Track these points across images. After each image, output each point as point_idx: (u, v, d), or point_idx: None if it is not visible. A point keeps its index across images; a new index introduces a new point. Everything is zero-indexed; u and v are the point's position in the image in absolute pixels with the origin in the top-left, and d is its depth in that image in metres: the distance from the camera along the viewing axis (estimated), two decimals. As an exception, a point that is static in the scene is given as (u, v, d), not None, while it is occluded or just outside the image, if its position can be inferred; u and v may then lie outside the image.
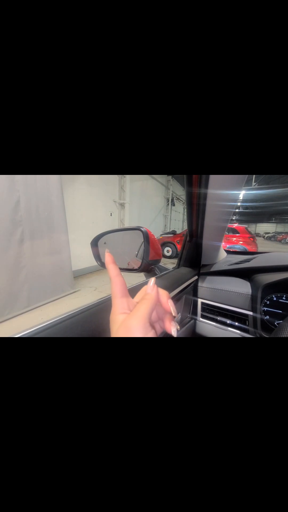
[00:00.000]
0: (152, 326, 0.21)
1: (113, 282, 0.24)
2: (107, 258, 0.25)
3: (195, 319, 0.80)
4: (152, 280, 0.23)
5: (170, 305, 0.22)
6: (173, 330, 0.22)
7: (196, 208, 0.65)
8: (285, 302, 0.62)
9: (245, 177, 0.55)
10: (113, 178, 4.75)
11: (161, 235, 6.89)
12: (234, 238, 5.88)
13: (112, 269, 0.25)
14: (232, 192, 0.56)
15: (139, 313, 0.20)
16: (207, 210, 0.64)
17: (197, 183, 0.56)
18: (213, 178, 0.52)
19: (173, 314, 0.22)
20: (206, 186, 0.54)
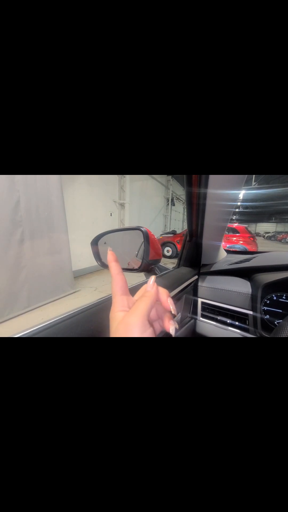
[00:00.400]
0: (151, 324, 0.21)
1: (114, 280, 0.24)
2: (109, 256, 0.25)
3: (195, 319, 0.80)
4: (152, 278, 0.23)
5: (169, 304, 0.22)
6: (172, 329, 0.21)
7: (196, 208, 0.65)
8: (285, 302, 0.62)
9: (244, 177, 0.55)
10: (113, 178, 4.75)
11: (161, 235, 6.89)
12: (234, 238, 5.88)
13: (113, 267, 0.25)
14: (231, 192, 0.56)
15: (138, 310, 0.20)
16: (207, 210, 0.64)
17: (197, 183, 0.56)
18: (213, 178, 0.52)
19: (173, 312, 0.22)
20: (206, 186, 0.54)
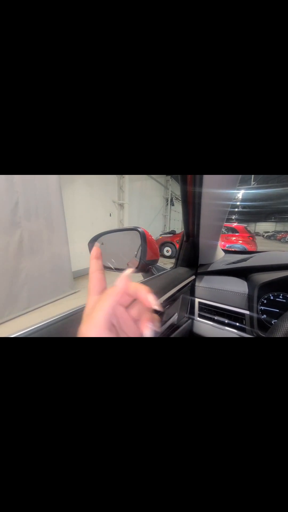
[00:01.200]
0: (111, 327, 0.19)
1: (89, 278, 0.22)
2: (93, 252, 0.23)
3: (193, 319, 0.81)
4: (127, 271, 0.20)
5: (150, 301, 0.18)
6: (146, 332, 0.18)
7: (191, 208, 0.65)
8: (282, 301, 0.62)
9: (239, 176, 0.55)
10: (112, 179, 4.75)
11: (160, 235, 6.89)
12: (234, 238, 5.89)
13: (92, 264, 0.23)
14: (226, 191, 0.56)
15: (93, 319, 0.18)
16: (203, 209, 0.64)
17: (192, 183, 0.56)
18: (207, 178, 0.52)
19: (154, 307, 0.18)
20: (201, 185, 0.54)
